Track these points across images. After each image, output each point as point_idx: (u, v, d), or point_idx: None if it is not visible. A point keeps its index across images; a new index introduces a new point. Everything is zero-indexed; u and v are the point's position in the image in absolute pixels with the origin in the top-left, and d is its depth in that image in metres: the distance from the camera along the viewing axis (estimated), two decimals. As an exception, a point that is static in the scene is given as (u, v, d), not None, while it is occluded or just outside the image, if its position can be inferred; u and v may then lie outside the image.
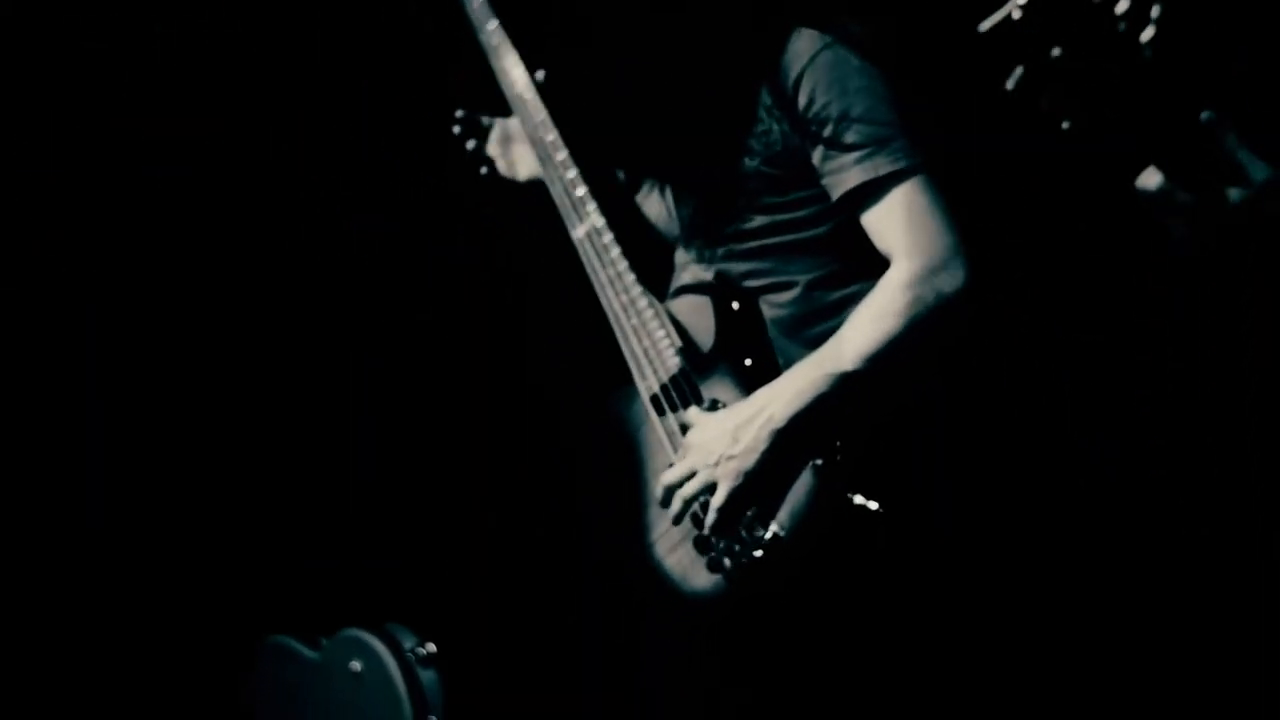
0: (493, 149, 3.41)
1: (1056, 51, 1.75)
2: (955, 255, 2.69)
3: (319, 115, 3.97)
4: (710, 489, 2.76)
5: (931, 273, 2.67)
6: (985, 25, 1.76)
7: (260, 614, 3.96)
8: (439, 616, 3.74)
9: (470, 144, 3.40)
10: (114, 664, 3.95)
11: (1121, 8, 1.72)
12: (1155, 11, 1.72)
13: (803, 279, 2.87)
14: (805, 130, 2.76)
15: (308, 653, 3.77)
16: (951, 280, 2.67)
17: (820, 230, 2.85)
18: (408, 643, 3.61)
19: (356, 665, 3.63)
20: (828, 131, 2.73)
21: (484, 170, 3.42)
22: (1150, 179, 1.97)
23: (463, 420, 4.07)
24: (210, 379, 4.06)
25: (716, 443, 2.75)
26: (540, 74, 3.19)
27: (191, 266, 4.01)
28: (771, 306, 2.89)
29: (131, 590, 3.97)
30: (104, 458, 3.96)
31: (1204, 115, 1.88)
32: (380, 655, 3.58)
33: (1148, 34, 1.74)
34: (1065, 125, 1.80)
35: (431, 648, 3.58)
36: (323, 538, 4.09)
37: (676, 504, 2.81)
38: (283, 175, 4.02)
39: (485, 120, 3.41)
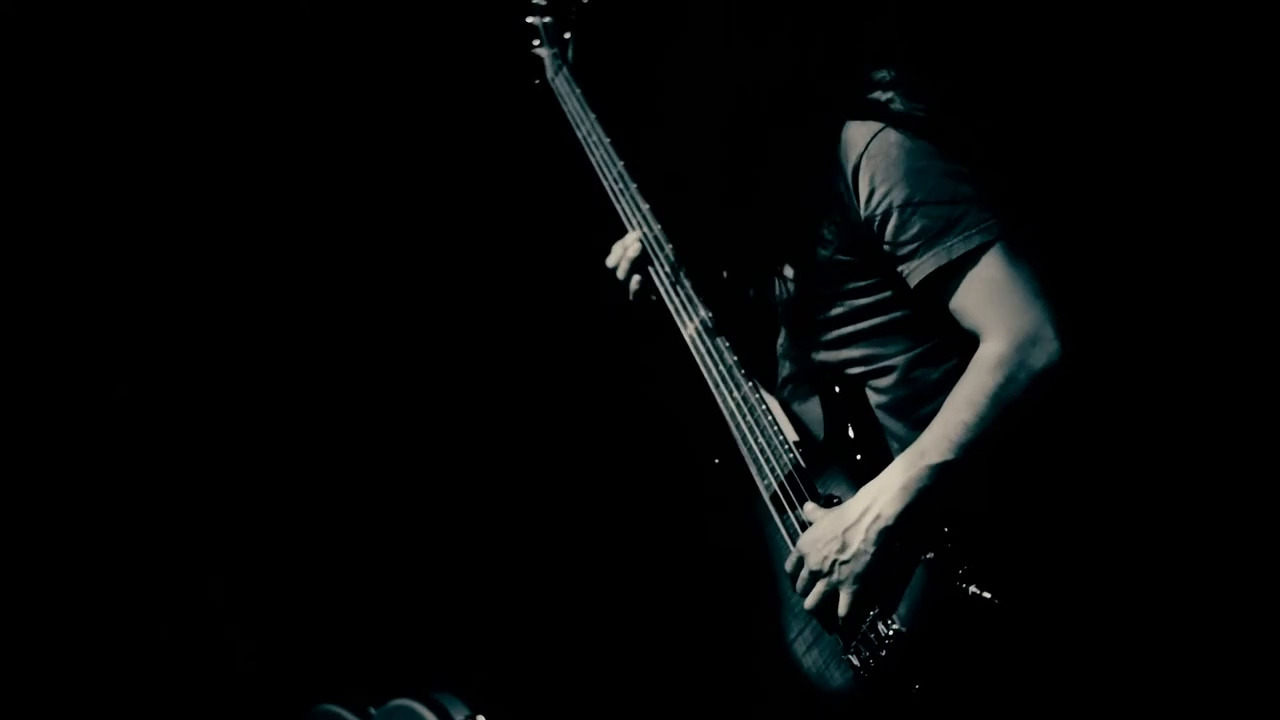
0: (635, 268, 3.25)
1: None
2: (1044, 325, 2.60)
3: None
4: (833, 597, 2.74)
5: (1020, 350, 2.60)
6: None
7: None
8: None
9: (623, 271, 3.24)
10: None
11: None
12: None
13: (900, 360, 2.81)
14: (872, 220, 2.70)
15: None
16: (1043, 354, 2.59)
17: (907, 310, 2.79)
18: (458, 715, 3.56)
19: None
20: (894, 220, 2.67)
21: (633, 292, 3.24)
22: None
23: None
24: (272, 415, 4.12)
25: (828, 548, 2.72)
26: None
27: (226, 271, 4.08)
28: (876, 392, 2.84)
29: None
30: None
31: None
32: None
33: None
34: None
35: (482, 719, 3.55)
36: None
37: (804, 616, 2.79)
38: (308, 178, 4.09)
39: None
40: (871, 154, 2.67)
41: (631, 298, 3.22)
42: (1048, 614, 2.65)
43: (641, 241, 3.17)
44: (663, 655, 4.02)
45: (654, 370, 3.34)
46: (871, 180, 2.67)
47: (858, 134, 2.69)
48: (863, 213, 2.70)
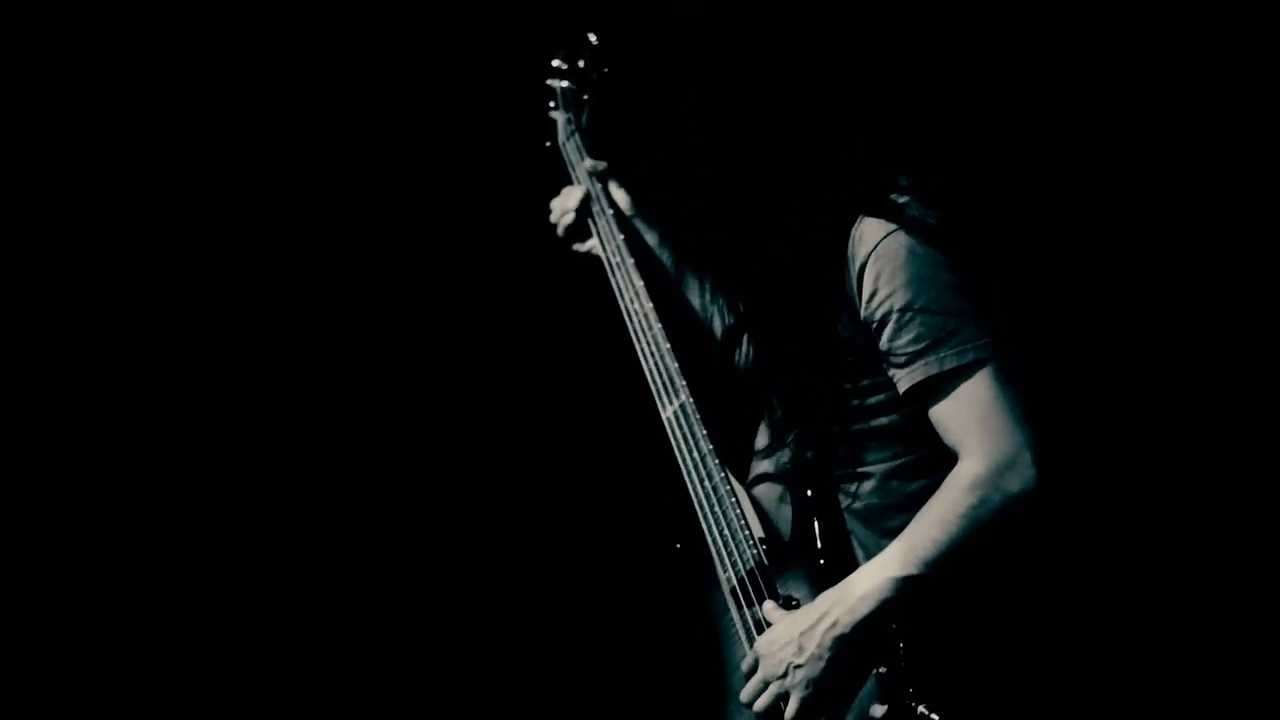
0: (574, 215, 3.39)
1: None
2: (1023, 452, 2.58)
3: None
4: (783, 700, 2.70)
5: (997, 473, 2.58)
6: None
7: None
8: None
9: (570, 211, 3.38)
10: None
11: None
12: None
13: (879, 469, 2.79)
14: (870, 320, 2.69)
15: None
16: (1019, 480, 2.58)
17: (894, 418, 2.77)
18: None
19: None
20: (891, 323, 2.66)
21: (562, 233, 3.41)
22: None
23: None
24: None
25: (784, 651, 2.69)
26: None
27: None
28: (849, 497, 2.81)
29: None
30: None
31: None
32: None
33: None
34: None
35: None
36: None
37: (750, 715, 2.75)
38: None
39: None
40: (880, 254, 2.66)
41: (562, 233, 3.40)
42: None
43: (631, 318, 3.16)
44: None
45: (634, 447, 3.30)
46: (876, 280, 2.66)
47: (870, 232, 2.69)
48: (863, 312, 2.69)
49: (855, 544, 2.80)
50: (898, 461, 2.78)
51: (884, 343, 2.68)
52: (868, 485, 2.80)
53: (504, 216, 3.97)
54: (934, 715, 2.56)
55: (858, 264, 2.69)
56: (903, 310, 2.64)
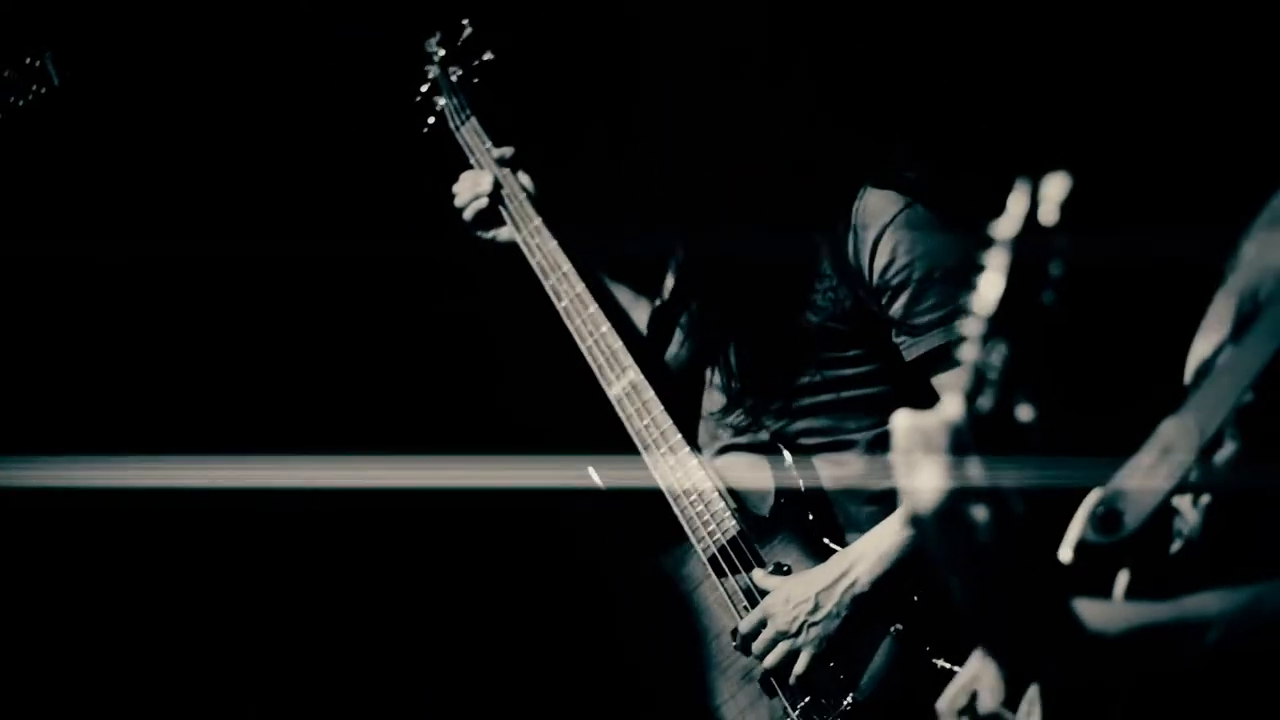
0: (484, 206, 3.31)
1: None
2: None
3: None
4: (794, 656, 2.74)
5: None
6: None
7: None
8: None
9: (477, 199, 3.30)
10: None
11: None
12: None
13: (862, 437, 2.87)
14: (884, 289, 2.76)
15: None
16: None
17: (881, 387, 2.86)
18: None
19: None
20: (909, 293, 2.74)
21: (471, 220, 3.31)
22: None
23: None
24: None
25: (799, 609, 2.73)
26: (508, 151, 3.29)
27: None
28: (830, 465, 2.88)
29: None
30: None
31: None
32: None
33: None
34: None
35: None
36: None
37: (760, 672, 2.78)
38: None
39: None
40: (899, 225, 2.75)
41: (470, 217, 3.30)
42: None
43: (563, 300, 3.13)
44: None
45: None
46: (894, 250, 2.74)
47: (884, 203, 2.78)
48: (875, 281, 2.77)
49: (838, 511, 2.87)
50: (881, 429, 2.86)
51: (897, 309, 2.75)
52: (850, 453, 2.87)
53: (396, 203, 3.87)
54: (955, 668, 2.65)
55: (872, 233, 2.76)
56: (923, 280, 2.73)
